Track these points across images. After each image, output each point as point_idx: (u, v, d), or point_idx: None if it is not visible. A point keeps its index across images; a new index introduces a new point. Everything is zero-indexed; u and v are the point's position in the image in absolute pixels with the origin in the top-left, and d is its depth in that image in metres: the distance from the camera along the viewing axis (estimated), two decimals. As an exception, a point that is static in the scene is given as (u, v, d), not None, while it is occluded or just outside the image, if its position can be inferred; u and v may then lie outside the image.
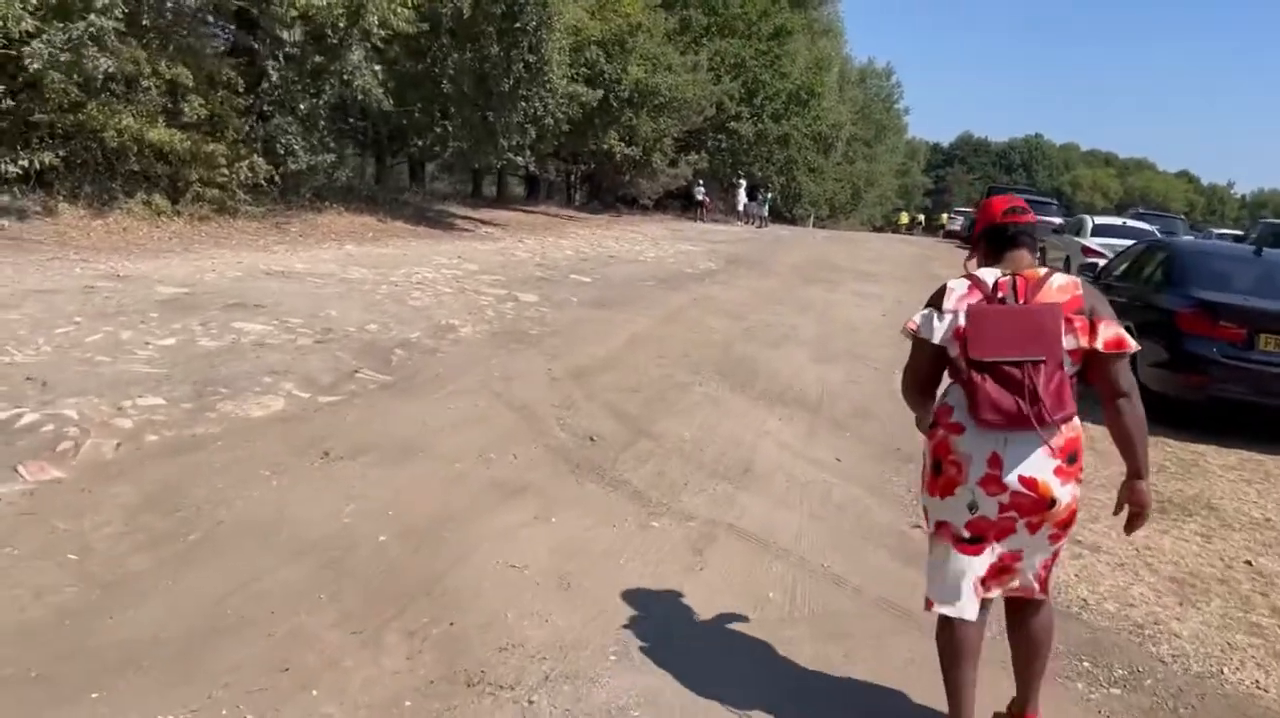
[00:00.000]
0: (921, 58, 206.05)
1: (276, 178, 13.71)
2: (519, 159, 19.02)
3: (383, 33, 14.03)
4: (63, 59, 9.86)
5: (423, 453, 4.94)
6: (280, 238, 12.95)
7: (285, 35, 12.50)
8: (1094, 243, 17.81)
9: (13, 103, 10.99)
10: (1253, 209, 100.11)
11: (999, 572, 2.65)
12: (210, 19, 12.77)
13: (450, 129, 17.65)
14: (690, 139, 33.52)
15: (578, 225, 23.90)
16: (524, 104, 16.99)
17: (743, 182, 36.17)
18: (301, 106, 13.51)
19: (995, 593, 2.68)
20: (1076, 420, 2.59)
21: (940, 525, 2.69)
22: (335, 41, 13.80)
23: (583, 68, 22.06)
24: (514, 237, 18.28)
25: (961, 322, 2.59)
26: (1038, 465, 2.53)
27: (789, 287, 14.11)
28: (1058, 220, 26.22)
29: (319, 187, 16.09)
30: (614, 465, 5.13)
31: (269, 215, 13.88)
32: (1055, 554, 2.69)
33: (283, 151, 13.47)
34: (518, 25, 16.02)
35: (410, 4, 13.98)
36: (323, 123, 14.27)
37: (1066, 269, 18.23)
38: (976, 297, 2.62)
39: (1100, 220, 19.21)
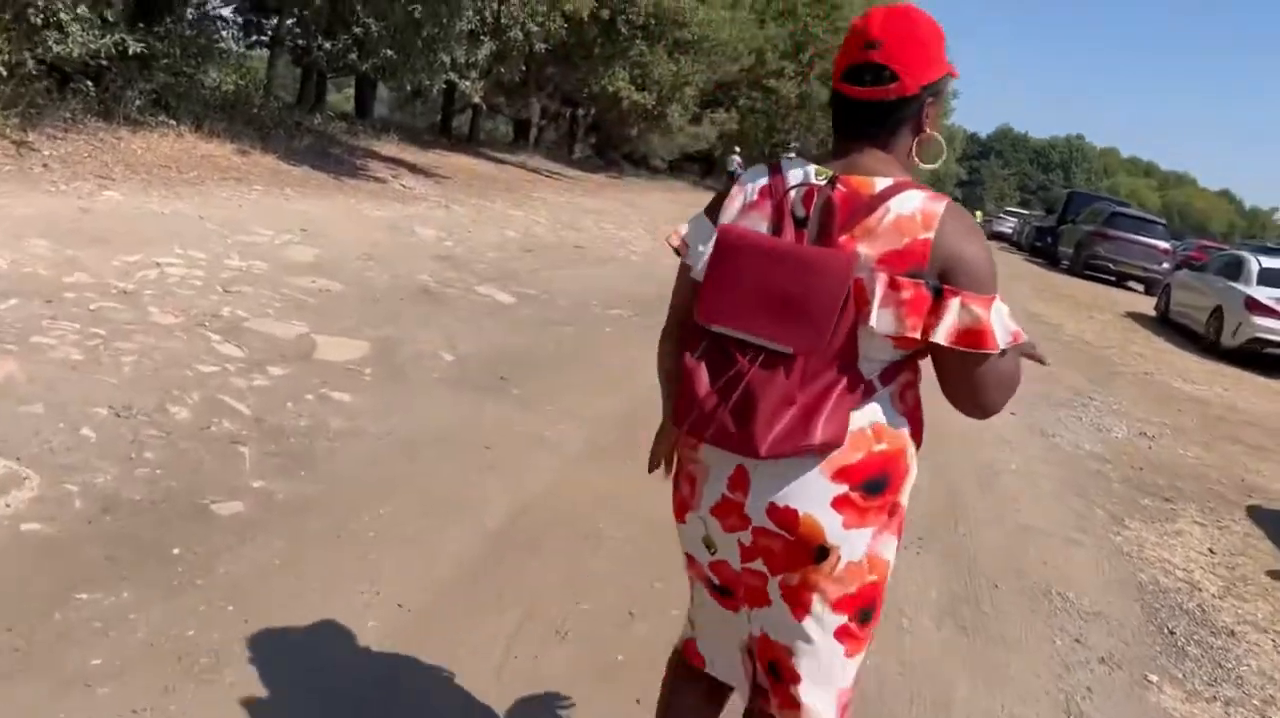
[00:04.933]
0: (968, 39, 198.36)
1: (30, 64, 8.40)
2: (464, 83, 13.53)
3: None
4: None
5: None
6: (-13, 167, 7.58)
7: None
8: (1264, 295, 12.40)
9: None
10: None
11: (768, 658, 1.51)
12: None
13: (375, 32, 12.16)
14: (719, 94, 28.02)
15: (556, 188, 18.32)
16: (476, 2, 11.52)
17: (794, 149, 29.89)
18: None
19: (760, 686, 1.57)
20: (896, 427, 1.40)
21: (689, 560, 1.61)
22: None
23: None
24: (447, 196, 12.61)
25: None
26: (806, 492, 1.37)
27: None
28: (1165, 245, 21.08)
29: (162, 91, 10.77)
30: None
31: (26, 126, 8.54)
32: (846, 665, 1.46)
33: (41, 23, 8.14)
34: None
35: None
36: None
37: (1218, 333, 12.79)
38: (763, 210, 1.41)
39: (1271, 264, 13.38)
